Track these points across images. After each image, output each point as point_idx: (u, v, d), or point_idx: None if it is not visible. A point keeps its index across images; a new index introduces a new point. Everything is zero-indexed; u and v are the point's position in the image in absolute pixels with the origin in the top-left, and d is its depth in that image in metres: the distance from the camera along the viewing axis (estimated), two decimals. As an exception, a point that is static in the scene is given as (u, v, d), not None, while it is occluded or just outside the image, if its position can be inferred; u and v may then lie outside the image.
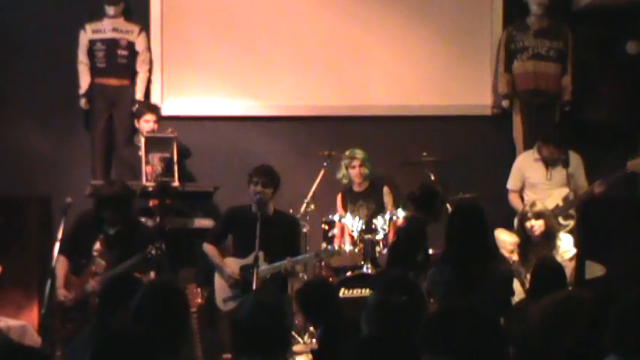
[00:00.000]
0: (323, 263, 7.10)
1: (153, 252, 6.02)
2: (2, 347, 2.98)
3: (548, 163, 7.33)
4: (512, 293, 5.20)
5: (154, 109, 7.59)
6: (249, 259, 6.28)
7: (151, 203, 7.21)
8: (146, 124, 7.43)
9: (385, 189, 7.48)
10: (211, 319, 6.46)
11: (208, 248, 6.54)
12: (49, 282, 5.80)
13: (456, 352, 2.59)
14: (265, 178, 6.41)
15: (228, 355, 6.21)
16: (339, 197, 7.56)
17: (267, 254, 6.21)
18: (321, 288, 5.17)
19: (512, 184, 7.48)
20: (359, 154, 7.39)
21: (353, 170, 7.41)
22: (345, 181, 7.54)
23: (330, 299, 5.02)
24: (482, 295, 4.62)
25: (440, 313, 2.86)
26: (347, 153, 7.44)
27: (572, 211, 7.14)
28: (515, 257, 6.64)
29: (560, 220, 7.06)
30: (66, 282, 6.08)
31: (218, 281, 6.45)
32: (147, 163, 6.96)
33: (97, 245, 6.10)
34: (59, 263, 6.14)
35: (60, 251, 6.17)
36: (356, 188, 7.51)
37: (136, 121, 7.58)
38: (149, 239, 6.25)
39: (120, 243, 6.07)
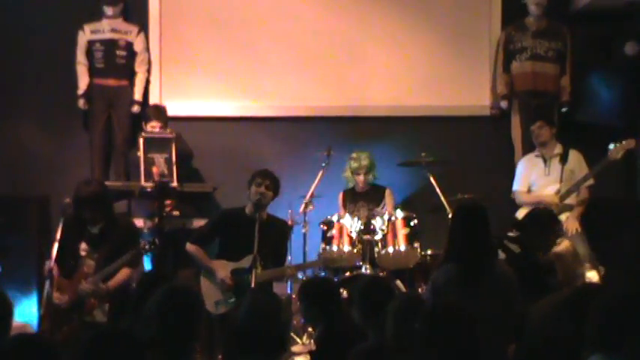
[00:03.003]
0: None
1: (147, 247, 6.01)
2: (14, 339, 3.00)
3: (546, 159, 7.37)
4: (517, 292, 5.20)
5: (160, 116, 7.53)
6: (242, 263, 6.26)
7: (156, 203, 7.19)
8: (152, 129, 7.42)
9: (387, 191, 7.49)
10: (209, 319, 6.44)
11: (193, 249, 6.49)
12: (47, 282, 5.79)
13: None
14: (269, 181, 6.43)
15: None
16: (340, 196, 7.57)
17: (260, 258, 6.21)
18: (324, 285, 5.18)
19: (519, 185, 7.47)
20: (365, 161, 7.38)
21: (359, 177, 7.43)
22: (350, 184, 7.56)
23: (331, 297, 5.02)
24: (487, 294, 4.61)
25: None
26: (354, 156, 7.42)
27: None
28: None
29: None
30: (58, 286, 6.05)
31: (205, 284, 6.41)
32: (152, 163, 6.95)
33: (84, 245, 6.05)
34: (54, 270, 6.09)
35: (54, 260, 6.13)
36: (358, 189, 7.52)
37: (143, 124, 7.57)
38: (133, 234, 6.23)
39: (105, 241, 6.03)
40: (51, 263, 6.07)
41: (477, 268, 4.73)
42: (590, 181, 7.28)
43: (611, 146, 7.06)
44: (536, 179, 7.40)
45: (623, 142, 7.07)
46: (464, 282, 4.66)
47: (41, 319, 6.28)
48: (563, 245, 6.03)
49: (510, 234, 6.30)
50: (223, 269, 6.36)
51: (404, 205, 7.59)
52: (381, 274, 6.87)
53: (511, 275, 4.98)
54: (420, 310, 3.98)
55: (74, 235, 6.08)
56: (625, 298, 2.90)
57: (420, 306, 4.12)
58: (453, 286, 4.69)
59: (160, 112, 7.61)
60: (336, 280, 6.84)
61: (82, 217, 6.08)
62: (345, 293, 6.63)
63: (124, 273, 5.98)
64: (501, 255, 5.58)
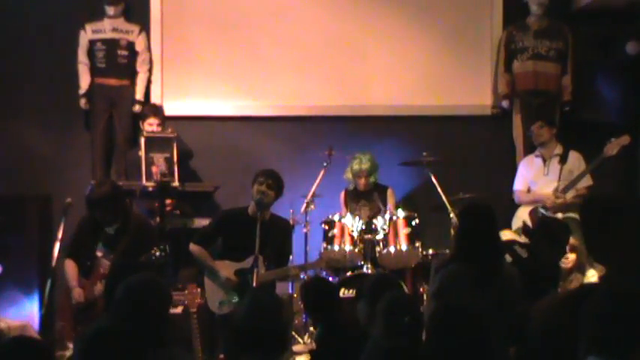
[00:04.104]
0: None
1: (157, 254, 5.99)
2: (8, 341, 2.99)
3: (546, 159, 7.39)
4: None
5: (157, 113, 7.56)
6: (245, 263, 6.25)
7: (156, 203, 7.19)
8: (149, 127, 7.44)
9: (389, 191, 7.48)
10: (211, 319, 6.43)
11: (197, 250, 6.44)
12: (49, 282, 5.78)
13: None
14: (272, 181, 6.39)
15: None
16: (342, 194, 7.57)
17: (264, 259, 6.20)
18: (322, 285, 5.18)
19: (519, 185, 7.49)
20: (366, 165, 7.36)
21: (360, 180, 7.43)
22: (351, 187, 7.56)
23: (331, 297, 5.03)
24: (495, 294, 4.60)
25: None
26: (356, 159, 7.41)
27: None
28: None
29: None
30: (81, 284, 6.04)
31: (209, 284, 6.38)
32: (152, 163, 6.95)
33: (100, 246, 6.08)
34: (68, 265, 6.07)
35: (66, 255, 6.13)
36: (360, 188, 7.51)
37: (140, 123, 7.58)
38: (150, 235, 6.23)
39: (120, 240, 6.05)
40: (54, 262, 6.06)
41: (487, 269, 4.72)
42: (589, 182, 7.27)
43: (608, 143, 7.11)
44: (535, 179, 7.41)
45: (618, 139, 7.08)
46: (474, 282, 4.64)
47: (43, 318, 6.27)
48: (573, 239, 6.07)
49: (520, 240, 6.32)
50: (227, 270, 6.35)
51: (405, 204, 7.59)
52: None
53: (516, 276, 4.98)
54: (408, 307, 3.99)
55: (90, 236, 6.08)
56: (620, 298, 2.88)
57: (409, 304, 4.13)
58: (462, 286, 4.66)
59: (157, 109, 7.63)
60: (337, 279, 6.85)
61: (95, 218, 6.08)
62: (345, 292, 6.64)
63: None
64: (508, 258, 5.58)
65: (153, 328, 3.58)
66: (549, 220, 6.80)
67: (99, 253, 6.04)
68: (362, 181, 7.42)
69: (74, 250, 6.16)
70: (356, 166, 7.41)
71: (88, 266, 6.06)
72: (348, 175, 7.51)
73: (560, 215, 7.10)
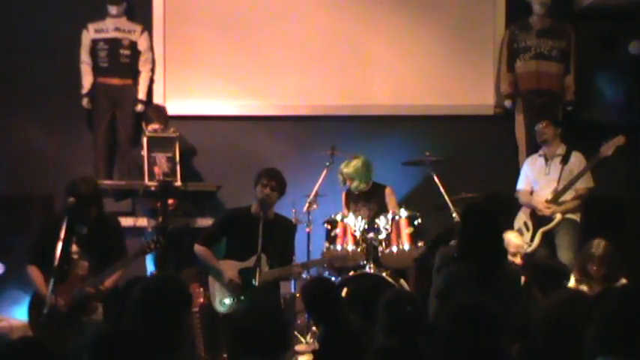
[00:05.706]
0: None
1: (151, 246, 5.97)
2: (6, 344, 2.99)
3: (548, 158, 7.37)
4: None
5: (161, 118, 7.50)
6: (249, 262, 6.25)
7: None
8: (152, 129, 7.42)
9: (387, 190, 7.46)
10: (214, 318, 6.43)
11: (202, 250, 6.45)
12: (51, 281, 5.76)
13: None
14: (275, 182, 6.38)
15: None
16: (343, 195, 7.56)
17: (268, 257, 6.20)
18: (323, 286, 5.18)
19: (521, 184, 7.48)
20: (349, 169, 7.32)
21: (349, 183, 7.42)
22: (342, 186, 7.55)
23: (332, 297, 5.02)
24: (497, 293, 4.60)
25: None
26: (343, 163, 7.38)
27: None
28: (518, 260, 6.62)
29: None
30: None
31: (214, 284, 6.40)
32: (154, 163, 6.93)
33: (74, 247, 5.91)
34: (34, 273, 5.93)
35: (30, 262, 5.98)
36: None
37: (143, 124, 7.57)
38: (122, 232, 6.19)
39: (95, 240, 5.97)
40: (55, 262, 6.01)
41: (489, 268, 4.71)
42: (590, 184, 7.25)
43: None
44: (536, 178, 7.41)
45: (613, 139, 7.07)
46: (480, 281, 4.64)
47: (46, 316, 6.22)
48: (603, 244, 6.02)
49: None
50: (231, 269, 6.35)
51: (407, 204, 7.57)
52: (384, 273, 6.86)
53: (518, 275, 4.98)
54: (409, 300, 4.00)
55: (63, 238, 5.75)
56: (631, 299, 2.87)
57: (409, 297, 4.13)
58: (465, 286, 4.66)
59: (160, 113, 7.59)
60: (339, 279, 6.84)
61: (70, 219, 5.90)
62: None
63: (119, 272, 5.93)
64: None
65: (166, 330, 3.55)
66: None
67: (74, 256, 5.95)
68: (350, 184, 7.41)
69: (38, 255, 5.96)
70: (341, 168, 7.40)
71: (65, 270, 5.85)
72: (339, 175, 7.50)
73: (559, 216, 7.10)
